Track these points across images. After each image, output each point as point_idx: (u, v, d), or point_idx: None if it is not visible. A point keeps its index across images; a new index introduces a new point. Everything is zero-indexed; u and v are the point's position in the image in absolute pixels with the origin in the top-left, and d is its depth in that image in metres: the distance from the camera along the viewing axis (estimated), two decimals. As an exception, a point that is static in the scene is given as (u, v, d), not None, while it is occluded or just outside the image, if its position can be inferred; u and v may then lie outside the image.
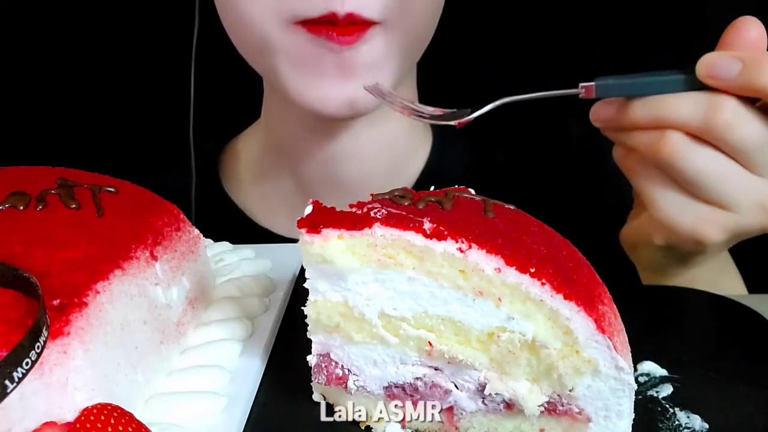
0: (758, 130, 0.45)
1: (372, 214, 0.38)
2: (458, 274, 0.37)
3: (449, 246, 0.36)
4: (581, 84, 0.49)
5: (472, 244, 0.36)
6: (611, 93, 0.49)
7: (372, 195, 0.41)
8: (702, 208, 0.48)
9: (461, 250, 0.36)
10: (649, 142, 0.48)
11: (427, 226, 0.37)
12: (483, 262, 0.36)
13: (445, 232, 0.36)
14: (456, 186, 0.44)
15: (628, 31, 0.88)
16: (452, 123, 0.51)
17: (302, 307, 0.40)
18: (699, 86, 0.46)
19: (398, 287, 0.38)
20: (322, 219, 0.38)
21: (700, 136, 0.46)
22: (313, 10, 0.57)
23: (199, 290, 0.48)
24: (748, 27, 0.47)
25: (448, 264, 0.37)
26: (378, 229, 0.37)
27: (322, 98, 0.61)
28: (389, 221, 0.37)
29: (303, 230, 0.38)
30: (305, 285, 0.40)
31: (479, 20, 0.92)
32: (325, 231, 0.38)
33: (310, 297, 0.40)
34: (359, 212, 0.39)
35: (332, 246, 0.38)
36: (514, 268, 0.36)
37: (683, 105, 0.46)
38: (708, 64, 0.46)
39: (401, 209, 0.39)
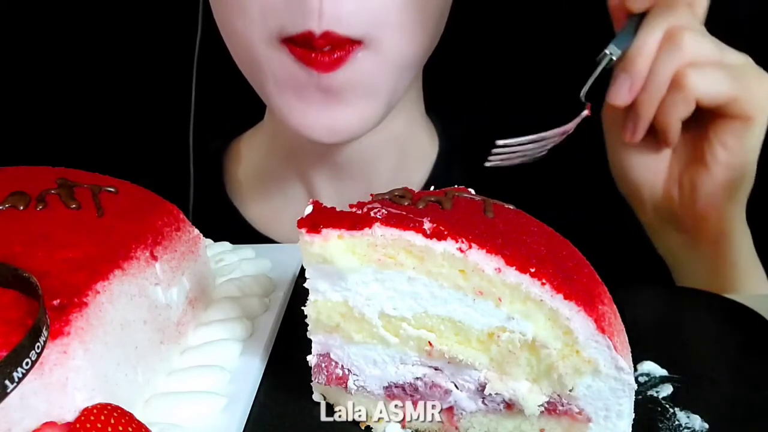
0: None
1: (372, 214, 0.38)
2: (458, 274, 0.37)
3: (449, 246, 0.36)
4: (605, 52, 0.56)
5: (473, 244, 0.36)
6: (627, 43, 0.56)
7: (372, 195, 0.41)
8: (738, 60, 0.55)
9: (461, 250, 0.36)
10: (673, 46, 0.53)
11: (427, 225, 0.37)
12: (483, 261, 0.36)
13: (445, 232, 0.36)
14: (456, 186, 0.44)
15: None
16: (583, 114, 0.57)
17: (302, 307, 0.40)
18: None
19: (398, 287, 0.38)
20: (322, 219, 0.38)
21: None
22: (293, 26, 0.56)
23: (199, 290, 0.48)
24: None
25: (448, 264, 0.37)
26: (378, 229, 0.37)
27: (307, 126, 0.60)
28: (389, 221, 0.37)
29: (303, 230, 0.38)
30: (305, 285, 0.40)
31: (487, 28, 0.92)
32: (325, 231, 0.37)
33: (310, 297, 0.40)
34: (359, 212, 0.39)
35: (332, 246, 0.37)
36: (514, 268, 0.36)
37: (662, 14, 0.55)
38: None
39: (401, 209, 0.39)
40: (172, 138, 0.79)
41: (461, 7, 0.64)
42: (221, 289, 0.51)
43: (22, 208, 0.44)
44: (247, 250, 0.57)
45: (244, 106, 0.80)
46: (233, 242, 0.59)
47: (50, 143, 1.00)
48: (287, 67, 0.58)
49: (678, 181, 0.60)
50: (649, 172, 0.61)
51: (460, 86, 0.90)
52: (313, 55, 0.57)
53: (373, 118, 0.62)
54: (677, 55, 0.54)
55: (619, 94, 0.56)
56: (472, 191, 0.43)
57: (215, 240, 0.58)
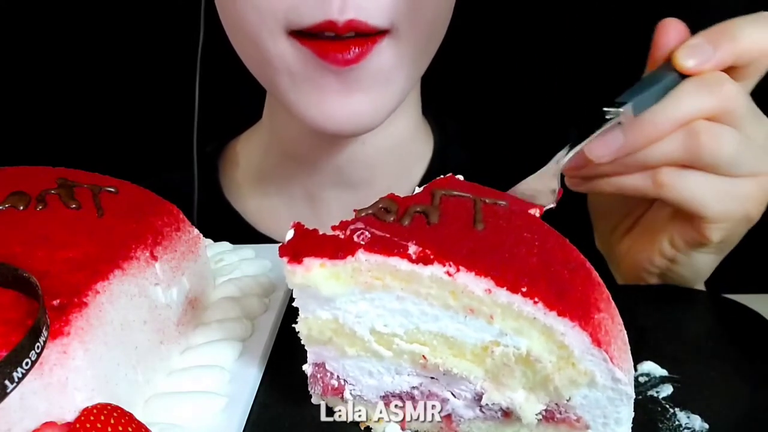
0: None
1: (355, 238, 0.37)
2: (448, 295, 0.36)
3: (436, 270, 0.35)
4: (609, 109, 0.46)
5: (460, 267, 0.35)
6: (645, 106, 0.46)
7: (355, 211, 0.39)
8: (746, 185, 0.48)
9: (449, 274, 0.35)
10: (683, 143, 0.46)
11: (413, 249, 0.36)
12: (472, 284, 0.35)
13: (431, 256, 0.35)
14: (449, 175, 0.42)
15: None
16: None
17: (293, 325, 0.40)
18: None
19: (387, 305, 0.37)
20: (303, 247, 0.37)
21: (720, 117, 0.46)
22: (308, 17, 0.54)
23: (199, 290, 0.48)
24: (670, 28, 0.49)
25: (437, 286, 0.36)
26: (362, 255, 0.36)
27: (325, 116, 0.59)
28: (373, 246, 0.36)
29: (284, 259, 0.37)
30: (294, 304, 0.39)
31: (483, 25, 0.92)
32: (306, 261, 0.36)
33: (301, 314, 0.39)
34: (342, 236, 0.37)
35: (315, 275, 0.36)
36: (504, 288, 0.35)
37: (695, 94, 0.46)
38: (689, 54, 0.47)
39: (385, 230, 0.37)
40: (177, 139, 0.79)
41: (457, 5, 0.64)
42: (221, 289, 0.51)
43: (22, 208, 0.44)
44: (247, 250, 0.57)
45: (240, 109, 0.79)
46: (233, 243, 0.59)
47: (50, 143, 1.00)
48: (301, 60, 0.57)
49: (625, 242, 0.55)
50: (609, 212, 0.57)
51: (454, 84, 0.90)
52: (330, 51, 0.55)
53: (389, 106, 0.61)
54: (677, 155, 0.46)
55: (600, 152, 0.47)
56: (461, 177, 0.43)
57: (216, 241, 0.58)
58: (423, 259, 0.36)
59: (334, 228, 0.38)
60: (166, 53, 0.94)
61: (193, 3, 0.72)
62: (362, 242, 0.37)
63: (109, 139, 1.02)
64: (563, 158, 0.48)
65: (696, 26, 0.49)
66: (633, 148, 0.47)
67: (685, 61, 0.46)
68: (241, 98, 0.78)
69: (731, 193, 0.48)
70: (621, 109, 0.46)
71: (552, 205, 0.45)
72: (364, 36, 0.56)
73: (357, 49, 0.55)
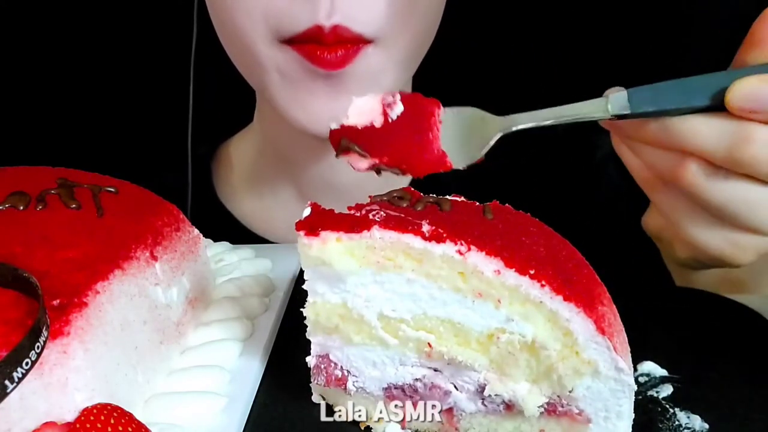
0: None
1: (371, 217, 0.38)
2: (457, 276, 0.37)
3: (448, 248, 0.36)
4: (609, 93, 0.40)
5: (472, 246, 0.36)
6: (644, 108, 0.40)
7: (370, 197, 0.41)
8: (731, 233, 0.42)
9: (460, 252, 0.36)
10: (668, 166, 0.41)
11: (426, 228, 0.37)
12: (482, 264, 0.36)
13: (444, 235, 0.36)
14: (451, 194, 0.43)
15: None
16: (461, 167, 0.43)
17: (301, 309, 0.40)
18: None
19: (397, 289, 0.38)
20: (320, 221, 0.38)
21: (725, 167, 0.40)
22: (298, 24, 0.55)
23: (199, 290, 0.48)
24: None
25: (448, 266, 0.37)
26: (376, 232, 0.37)
27: (311, 118, 0.59)
28: (388, 224, 0.37)
29: (301, 233, 0.38)
30: (304, 287, 0.40)
31: (477, 25, 0.92)
32: (323, 234, 0.37)
33: (309, 298, 0.40)
34: (357, 214, 0.38)
35: (331, 248, 0.37)
36: (513, 269, 0.36)
37: (706, 133, 0.39)
38: (747, 97, 0.38)
39: (400, 211, 0.39)
40: (171, 141, 0.79)
41: (450, 3, 0.65)
42: (221, 289, 0.51)
43: (22, 208, 0.44)
44: (247, 250, 0.57)
45: (232, 111, 0.79)
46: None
47: (50, 143, 1.00)
48: (291, 64, 0.58)
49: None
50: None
51: (447, 85, 0.90)
52: (318, 52, 0.56)
53: None
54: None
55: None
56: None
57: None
58: (436, 237, 0.36)
59: (349, 208, 0.39)
60: (160, 56, 0.94)
61: (187, 6, 0.72)
62: (377, 219, 0.37)
63: (104, 141, 1.02)
64: (500, 133, 0.43)
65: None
66: (632, 137, 0.42)
67: (738, 101, 0.38)
68: (233, 100, 0.78)
69: (713, 231, 0.43)
70: (608, 97, 0.40)
71: (461, 167, 0.42)
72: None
73: (342, 52, 0.56)
